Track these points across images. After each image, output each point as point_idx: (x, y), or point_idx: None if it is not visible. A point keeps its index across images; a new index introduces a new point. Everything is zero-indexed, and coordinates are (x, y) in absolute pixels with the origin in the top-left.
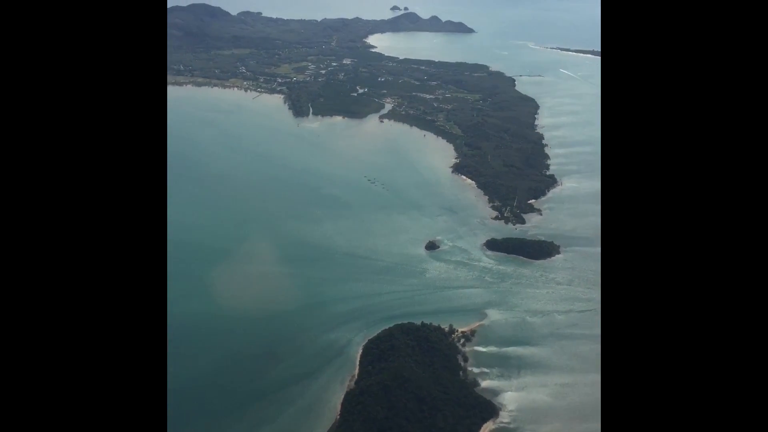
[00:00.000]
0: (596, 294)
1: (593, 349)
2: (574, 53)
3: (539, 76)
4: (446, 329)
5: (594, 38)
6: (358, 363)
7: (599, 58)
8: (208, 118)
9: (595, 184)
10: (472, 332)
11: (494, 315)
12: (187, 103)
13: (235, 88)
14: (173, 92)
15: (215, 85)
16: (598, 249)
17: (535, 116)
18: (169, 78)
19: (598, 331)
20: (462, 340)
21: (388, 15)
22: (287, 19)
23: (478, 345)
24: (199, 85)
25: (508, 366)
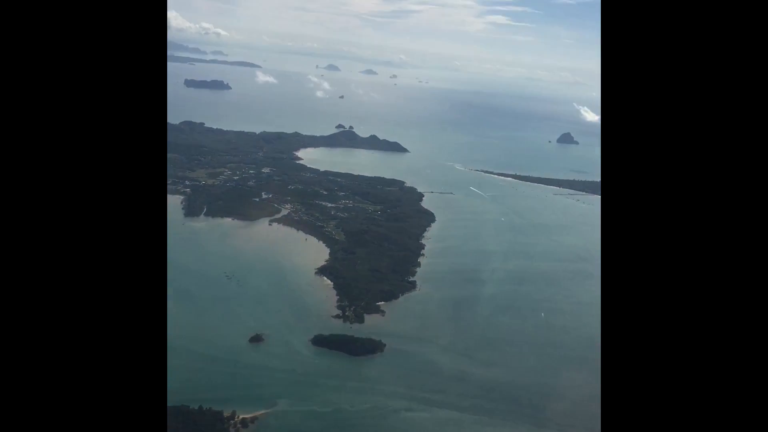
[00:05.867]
0: (401, 389)
1: None
2: (495, 175)
3: (450, 193)
4: (227, 415)
5: (521, 164)
6: None
7: (518, 181)
8: None
9: (452, 292)
10: (253, 419)
11: (284, 405)
12: None
13: None
14: None
15: None
16: (423, 348)
17: (427, 228)
18: None
19: (382, 422)
20: (239, 426)
21: (330, 132)
22: (226, 130)
23: (255, 431)
24: None
25: None
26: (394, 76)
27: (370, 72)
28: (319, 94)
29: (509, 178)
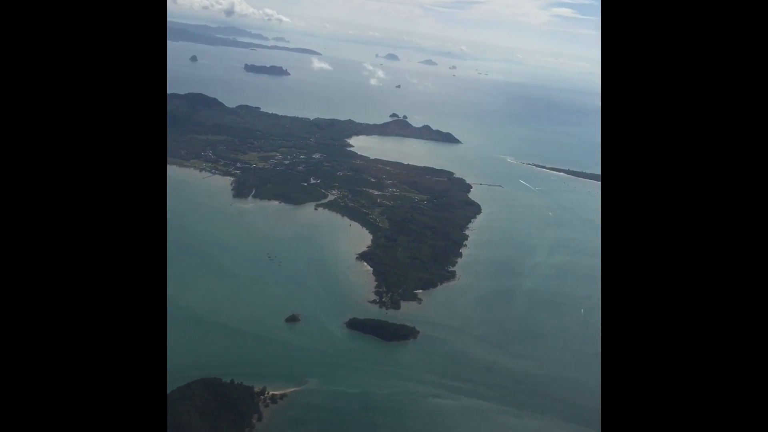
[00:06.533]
0: (431, 377)
1: (393, 424)
2: (547, 170)
3: (499, 186)
4: (257, 390)
5: (576, 159)
6: None
7: (570, 177)
8: None
9: (491, 283)
10: (283, 396)
11: (314, 384)
12: None
13: (192, 168)
14: None
15: (173, 163)
16: (457, 337)
17: (472, 220)
18: None
19: (409, 406)
20: (268, 402)
21: (384, 121)
22: (281, 115)
23: (283, 407)
24: None
25: (300, 430)
26: (454, 68)
27: (429, 62)
28: (373, 82)
29: (561, 173)
